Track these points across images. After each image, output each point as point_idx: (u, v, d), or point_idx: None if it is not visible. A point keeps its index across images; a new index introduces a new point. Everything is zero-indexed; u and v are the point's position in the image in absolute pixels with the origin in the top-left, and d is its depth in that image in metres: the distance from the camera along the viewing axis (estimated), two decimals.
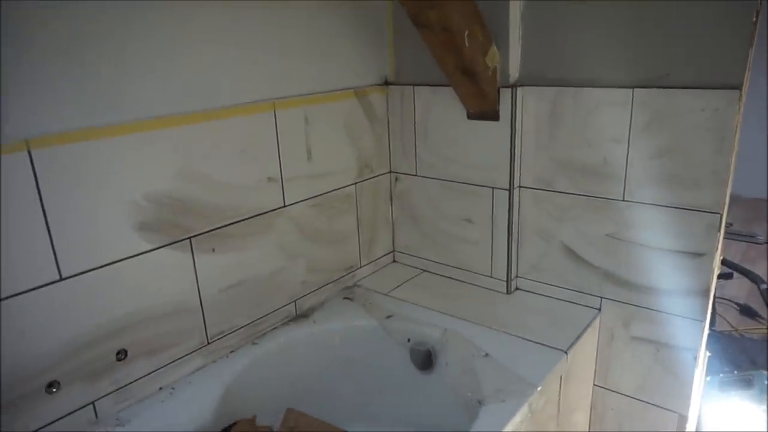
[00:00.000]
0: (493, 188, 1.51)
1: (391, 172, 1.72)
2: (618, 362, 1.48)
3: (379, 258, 1.77)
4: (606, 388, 1.52)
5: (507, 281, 1.58)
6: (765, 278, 3.33)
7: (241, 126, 1.26)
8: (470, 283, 1.66)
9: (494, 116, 1.44)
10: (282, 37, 1.33)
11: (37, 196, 0.95)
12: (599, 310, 1.46)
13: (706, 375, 1.81)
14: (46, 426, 1.03)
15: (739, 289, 3.29)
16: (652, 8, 1.20)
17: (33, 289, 0.97)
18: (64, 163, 0.98)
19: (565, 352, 1.29)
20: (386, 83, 1.64)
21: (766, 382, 2.10)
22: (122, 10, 1.02)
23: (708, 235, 1.25)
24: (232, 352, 1.34)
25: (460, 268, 1.67)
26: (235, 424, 1.23)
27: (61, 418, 1.05)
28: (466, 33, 1.23)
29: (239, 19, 1.22)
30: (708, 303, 1.30)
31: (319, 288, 1.56)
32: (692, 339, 1.33)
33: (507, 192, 1.49)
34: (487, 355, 1.29)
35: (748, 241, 3.97)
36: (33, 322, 0.98)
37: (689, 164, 1.23)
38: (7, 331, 0.95)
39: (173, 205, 1.16)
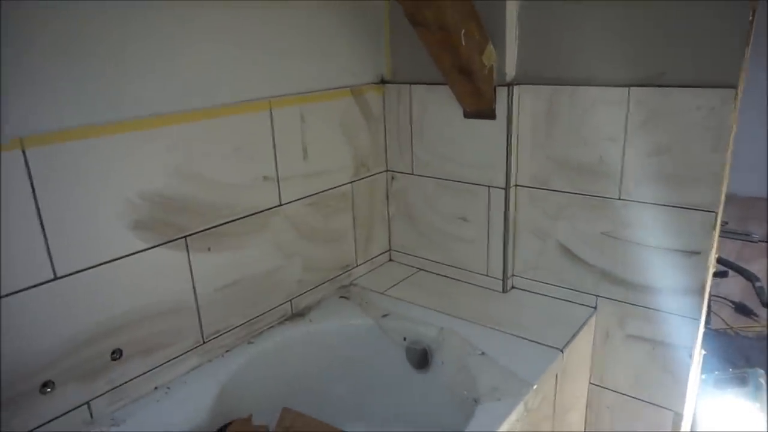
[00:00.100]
0: (489, 187, 1.51)
1: (387, 170, 1.72)
2: (613, 360, 1.48)
3: (376, 257, 1.77)
4: (602, 387, 1.53)
5: (503, 280, 1.58)
6: (760, 276, 3.34)
7: (236, 124, 1.26)
8: (466, 282, 1.66)
9: (491, 115, 1.44)
10: (278, 35, 1.32)
11: (32, 194, 0.95)
12: (595, 308, 1.46)
13: (702, 373, 1.81)
14: (40, 426, 1.03)
15: (734, 287, 3.30)
16: (647, 7, 1.20)
17: (27, 288, 0.97)
18: (58, 161, 0.97)
19: (561, 351, 1.29)
20: (383, 82, 1.64)
21: (760, 380, 2.11)
22: (121, 9, 1.02)
23: (703, 234, 1.25)
24: (227, 351, 1.34)
25: (457, 267, 1.67)
26: (230, 423, 1.23)
27: (56, 418, 1.05)
28: (463, 32, 1.22)
29: (235, 17, 1.22)
30: (703, 301, 1.31)
31: (316, 287, 1.56)
32: (688, 337, 1.34)
33: (503, 191, 1.49)
34: (483, 353, 1.29)
35: (743, 240, 3.99)
36: (27, 321, 0.98)
37: (685, 163, 1.23)
38: (2, 330, 0.95)
39: (168, 203, 1.15)
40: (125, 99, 1.05)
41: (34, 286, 0.98)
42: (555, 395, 1.33)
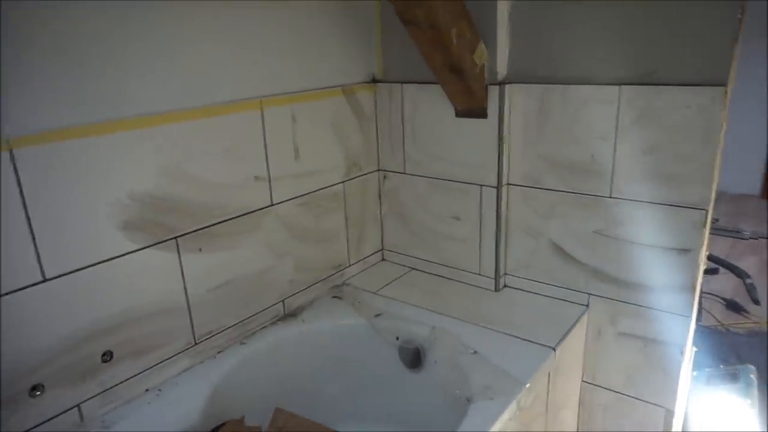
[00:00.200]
0: (481, 186, 1.51)
1: (379, 170, 1.72)
2: (606, 358, 1.49)
3: (368, 256, 1.77)
4: (594, 384, 1.53)
5: (495, 279, 1.58)
6: (750, 273, 3.37)
7: (227, 124, 1.25)
8: (459, 281, 1.66)
9: (482, 114, 1.44)
10: (269, 35, 1.32)
11: (19, 195, 0.94)
12: (587, 306, 1.47)
13: (693, 370, 1.82)
14: (30, 429, 1.02)
15: (725, 284, 3.32)
16: (638, 6, 1.20)
17: (15, 290, 0.96)
18: (46, 162, 0.96)
19: (553, 349, 1.30)
20: (374, 81, 1.63)
21: (751, 376, 2.13)
22: (107, 8, 1.01)
23: (694, 231, 1.26)
24: (219, 352, 1.33)
25: (449, 266, 1.67)
26: (223, 424, 1.22)
27: (46, 421, 1.04)
28: (454, 30, 1.22)
29: (226, 17, 1.21)
30: (694, 298, 1.31)
31: (308, 287, 1.56)
32: (679, 334, 1.34)
33: (495, 189, 1.49)
34: (475, 352, 1.29)
35: (733, 237, 4.01)
36: (15, 324, 0.97)
37: (676, 161, 1.24)
38: None
39: (158, 204, 1.15)
40: (108, 98, 1.04)
41: (22, 288, 0.97)
42: (547, 394, 1.34)
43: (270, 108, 1.34)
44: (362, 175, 1.66)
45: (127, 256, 1.11)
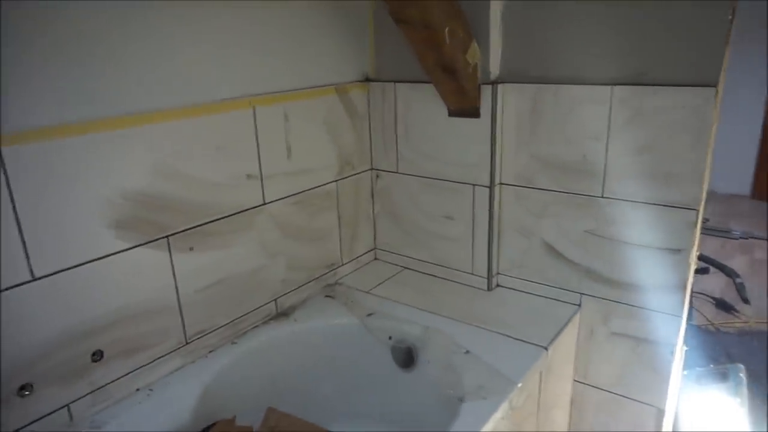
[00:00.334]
0: (473, 185, 1.52)
1: (372, 169, 1.72)
2: (597, 358, 1.49)
3: (361, 255, 1.77)
4: (585, 384, 1.54)
5: (488, 278, 1.58)
6: (740, 273, 3.40)
7: (219, 123, 1.24)
8: (451, 280, 1.66)
9: (475, 113, 1.44)
10: (261, 33, 1.31)
11: (8, 194, 0.93)
12: (579, 306, 1.47)
13: (683, 369, 1.84)
14: (19, 429, 1.01)
15: (715, 283, 3.35)
16: (631, 6, 1.21)
17: (4, 289, 0.95)
18: (36, 160, 0.95)
19: (546, 349, 1.30)
20: (367, 80, 1.63)
21: (741, 375, 2.14)
22: (99, 5, 1.00)
23: (685, 231, 1.27)
24: (211, 351, 1.33)
25: (442, 266, 1.67)
26: (214, 424, 1.22)
27: (35, 421, 1.03)
28: (447, 30, 1.22)
29: (219, 15, 1.20)
30: (685, 298, 1.32)
31: (300, 286, 1.55)
32: (670, 334, 1.35)
33: (488, 189, 1.49)
34: (467, 352, 1.29)
35: (723, 237, 4.04)
36: (4, 323, 0.96)
37: (667, 161, 1.24)
38: None
39: (149, 202, 1.14)
40: (99, 95, 1.03)
41: (11, 287, 0.96)
42: (539, 393, 1.34)
43: (262, 107, 1.33)
44: (355, 174, 1.66)
45: (117, 255, 1.10)
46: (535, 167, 1.43)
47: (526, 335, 1.35)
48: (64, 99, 0.99)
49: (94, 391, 1.11)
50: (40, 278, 0.99)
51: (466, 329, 1.39)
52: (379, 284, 1.65)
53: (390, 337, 1.43)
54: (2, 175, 0.92)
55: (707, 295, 3.20)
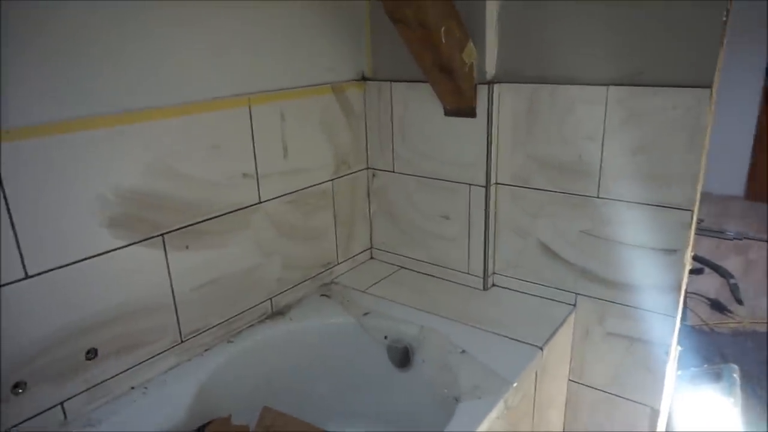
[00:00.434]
0: (470, 185, 1.52)
1: (368, 168, 1.72)
2: (592, 358, 1.50)
3: (357, 255, 1.76)
4: (580, 383, 1.54)
5: (484, 278, 1.59)
6: (734, 274, 3.41)
7: (215, 121, 1.24)
8: (447, 280, 1.66)
9: (471, 113, 1.45)
10: (258, 32, 1.31)
11: (1, 191, 0.92)
12: (574, 306, 1.48)
13: (677, 369, 1.84)
14: (12, 428, 1.00)
15: (710, 284, 3.36)
16: (626, 7, 1.21)
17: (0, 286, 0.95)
18: (29, 157, 0.95)
19: (541, 348, 1.30)
20: (363, 79, 1.63)
21: (734, 376, 2.16)
22: (97, 4, 1.00)
23: (680, 232, 1.27)
24: (206, 350, 1.32)
25: (438, 265, 1.67)
26: (210, 423, 1.22)
27: (29, 419, 1.02)
28: (443, 29, 1.22)
29: (215, 14, 1.20)
30: (680, 298, 1.32)
31: (296, 285, 1.55)
32: (664, 334, 1.36)
33: (484, 189, 1.50)
34: (463, 351, 1.29)
35: (718, 237, 4.06)
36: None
37: (662, 162, 1.25)
38: None
39: (144, 200, 1.13)
40: (93, 93, 1.03)
41: (5, 284, 0.95)
42: (535, 393, 1.34)
43: (258, 105, 1.33)
44: (351, 174, 1.66)
45: (112, 253, 1.10)
46: (531, 167, 1.44)
47: (521, 335, 1.35)
48: (60, 96, 0.98)
49: (88, 389, 1.11)
50: (33, 276, 0.99)
51: (461, 329, 1.39)
52: (375, 283, 1.65)
53: (386, 337, 1.43)
54: None
55: (702, 296, 3.22)
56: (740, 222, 4.38)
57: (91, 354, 1.10)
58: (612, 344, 1.45)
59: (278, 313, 1.49)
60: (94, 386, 1.12)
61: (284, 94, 1.39)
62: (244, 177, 1.33)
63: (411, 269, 1.74)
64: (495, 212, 1.53)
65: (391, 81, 1.58)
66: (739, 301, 3.16)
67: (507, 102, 1.43)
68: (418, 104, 1.54)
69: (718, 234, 4.09)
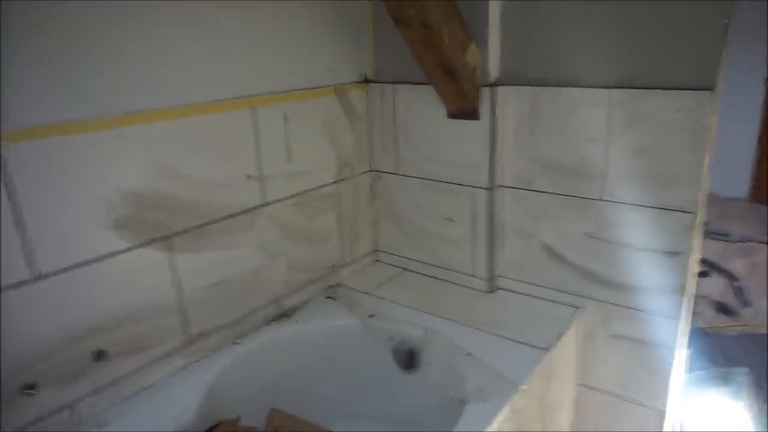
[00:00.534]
0: (473, 187, 1.52)
1: (371, 170, 1.72)
2: (598, 360, 1.49)
3: (362, 257, 1.77)
4: (587, 386, 1.54)
5: (488, 280, 1.59)
6: (739, 276, 3.40)
7: (219, 123, 1.25)
8: (452, 282, 1.66)
9: (474, 115, 1.45)
10: (260, 34, 1.32)
11: (8, 193, 0.94)
12: (579, 308, 1.47)
13: (685, 372, 1.84)
14: (24, 428, 1.01)
15: (716, 287, 3.35)
16: (629, 8, 1.21)
17: (6, 288, 0.95)
18: (35, 159, 0.96)
19: (547, 351, 1.30)
20: (366, 81, 1.64)
21: (742, 378, 2.15)
22: (101, 6, 1.01)
23: (684, 234, 1.27)
24: (213, 351, 1.33)
25: (442, 267, 1.67)
26: (218, 425, 1.22)
27: (40, 420, 1.03)
28: (445, 30, 1.23)
29: (218, 16, 1.21)
30: (684, 301, 1.32)
31: (301, 287, 1.56)
32: (669, 336, 1.35)
33: (487, 191, 1.50)
34: (469, 354, 1.30)
35: (723, 240, 4.04)
36: (7, 322, 0.96)
37: (665, 164, 1.25)
38: None
39: (150, 203, 1.14)
40: (98, 95, 1.04)
41: (12, 286, 0.96)
42: (541, 395, 1.34)
43: (262, 107, 1.34)
44: (355, 176, 1.67)
45: (118, 255, 1.11)
46: (535, 169, 1.44)
47: (527, 338, 1.35)
48: (64, 98, 0.99)
49: (98, 390, 1.12)
50: (41, 277, 1.00)
51: (467, 331, 1.39)
52: (380, 286, 1.66)
53: (391, 339, 1.43)
54: (2, 173, 0.92)
55: (708, 298, 3.20)
56: (744, 224, 4.36)
57: (101, 355, 1.10)
58: (617, 347, 1.45)
59: (284, 315, 1.49)
60: (103, 387, 1.12)
61: (287, 96, 1.40)
62: (248, 179, 1.34)
63: (415, 271, 1.74)
64: (499, 215, 1.54)
65: (393, 83, 1.59)
66: (745, 304, 3.15)
67: (510, 104, 1.43)
68: (421, 106, 1.54)
69: (723, 236, 4.07)
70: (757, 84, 4.63)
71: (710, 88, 1.16)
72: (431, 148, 1.57)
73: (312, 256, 1.57)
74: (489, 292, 1.60)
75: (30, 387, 1.00)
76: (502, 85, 1.42)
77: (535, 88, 1.38)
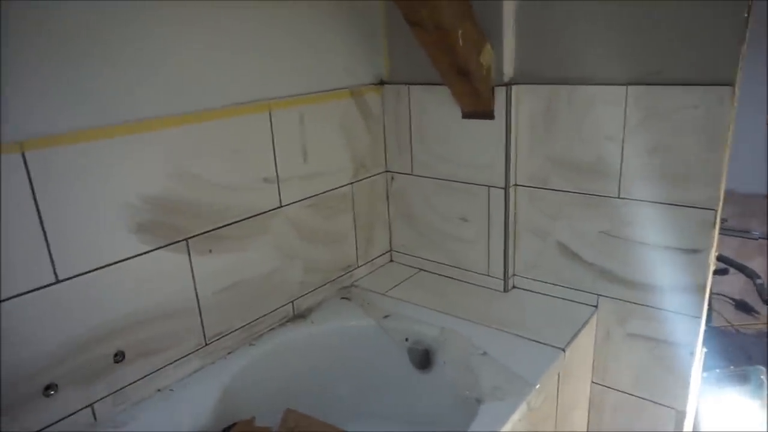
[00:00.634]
0: (488, 187, 1.52)
1: (386, 171, 1.73)
2: (615, 359, 1.48)
3: (377, 258, 1.77)
4: (604, 386, 1.53)
5: (504, 279, 1.58)
6: (760, 274, 3.34)
7: (236, 126, 1.26)
8: (467, 282, 1.66)
9: (489, 115, 1.45)
10: (276, 37, 1.33)
11: (32, 198, 0.95)
12: (596, 307, 1.46)
13: (703, 370, 1.82)
14: (44, 428, 1.03)
15: (735, 284, 3.30)
16: (644, 5, 1.20)
17: (29, 291, 0.97)
18: (58, 164, 0.98)
19: (563, 350, 1.30)
20: (381, 83, 1.64)
21: (761, 378, 2.11)
22: (116, 11, 1.02)
23: (703, 232, 1.26)
24: (230, 353, 1.34)
25: (457, 267, 1.67)
26: (234, 425, 1.23)
27: (60, 420, 1.05)
28: (460, 31, 1.23)
29: (234, 20, 1.22)
30: (704, 299, 1.31)
31: (317, 288, 1.56)
32: (688, 335, 1.34)
33: (502, 190, 1.49)
34: (484, 353, 1.29)
35: (742, 237, 3.99)
36: (29, 324, 0.98)
37: (683, 161, 1.23)
38: (4, 333, 0.95)
39: (169, 206, 1.16)
40: (119, 101, 1.05)
41: (36, 289, 0.98)
42: (557, 395, 1.34)
43: (278, 110, 1.35)
44: (370, 177, 1.67)
45: (138, 258, 1.12)
46: (550, 168, 1.43)
47: (542, 337, 1.35)
48: (86, 105, 1.01)
49: (116, 391, 1.13)
50: (64, 280, 1.01)
51: (482, 331, 1.39)
52: (395, 286, 1.66)
53: (406, 339, 1.44)
54: (26, 179, 0.94)
55: (727, 296, 3.16)
56: (763, 221, 4.30)
57: (119, 357, 1.12)
58: (634, 346, 1.43)
59: (299, 316, 1.50)
60: (121, 388, 1.14)
61: (303, 98, 1.41)
62: (264, 181, 1.35)
63: (431, 271, 1.74)
64: (514, 214, 1.53)
65: (408, 84, 1.59)
66: (766, 302, 3.10)
67: (525, 103, 1.42)
68: (436, 107, 1.54)
69: (743, 233, 4.01)
70: None
71: (730, 84, 1.14)
72: (446, 148, 1.57)
73: (328, 257, 1.58)
74: (504, 292, 1.59)
75: (49, 387, 1.02)
76: (516, 84, 1.42)
77: (551, 86, 1.37)
